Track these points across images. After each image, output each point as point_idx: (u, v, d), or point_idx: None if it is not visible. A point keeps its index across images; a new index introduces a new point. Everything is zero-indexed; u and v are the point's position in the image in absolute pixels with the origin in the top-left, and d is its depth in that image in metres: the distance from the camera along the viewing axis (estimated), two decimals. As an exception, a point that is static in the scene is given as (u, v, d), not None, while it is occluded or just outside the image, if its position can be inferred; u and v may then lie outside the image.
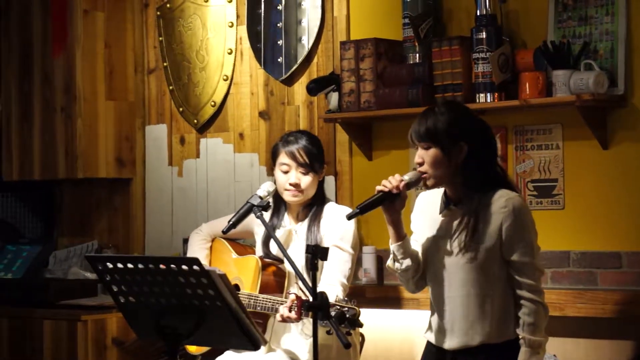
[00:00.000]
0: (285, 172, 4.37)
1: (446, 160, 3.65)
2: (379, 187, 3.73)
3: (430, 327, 3.83)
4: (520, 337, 3.63)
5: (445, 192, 3.76)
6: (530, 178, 4.63)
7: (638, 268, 4.39)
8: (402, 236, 3.77)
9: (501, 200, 3.64)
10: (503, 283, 3.67)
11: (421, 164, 3.69)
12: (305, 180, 4.36)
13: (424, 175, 3.68)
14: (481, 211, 3.65)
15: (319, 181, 4.43)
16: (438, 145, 3.64)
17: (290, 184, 4.35)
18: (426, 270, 3.81)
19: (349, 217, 3.77)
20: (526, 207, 3.69)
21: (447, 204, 3.74)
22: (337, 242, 4.28)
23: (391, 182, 3.70)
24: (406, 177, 3.71)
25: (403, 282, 3.89)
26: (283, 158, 4.39)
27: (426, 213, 3.83)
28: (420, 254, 3.82)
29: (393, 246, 3.78)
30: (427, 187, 3.74)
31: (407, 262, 3.78)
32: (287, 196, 4.37)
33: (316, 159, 4.38)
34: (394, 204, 3.73)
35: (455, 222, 3.70)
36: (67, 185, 6.23)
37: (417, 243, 3.84)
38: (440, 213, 3.76)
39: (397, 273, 3.84)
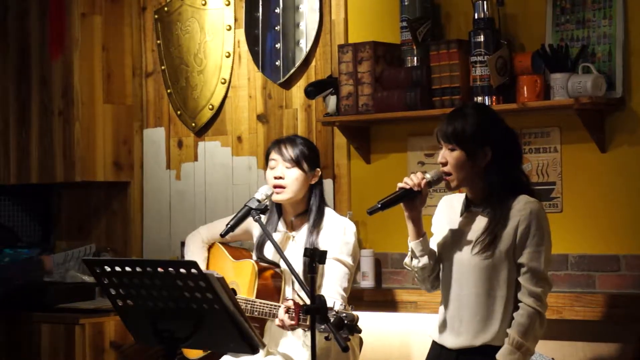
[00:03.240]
0: (273, 168, 4.37)
1: (469, 164, 3.66)
2: (400, 184, 3.75)
3: (436, 327, 3.84)
4: (508, 334, 3.62)
5: (466, 195, 3.77)
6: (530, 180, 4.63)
7: (636, 271, 4.39)
8: (421, 234, 3.79)
9: (520, 204, 3.66)
10: (514, 288, 3.67)
11: (444, 164, 3.70)
12: (290, 175, 4.34)
13: (447, 177, 3.70)
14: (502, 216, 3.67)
15: (312, 186, 4.39)
16: (463, 148, 3.66)
17: (275, 177, 4.34)
18: (440, 268, 3.83)
19: (370, 213, 3.76)
20: (544, 215, 3.69)
21: (468, 207, 3.75)
22: (337, 255, 4.26)
23: (413, 180, 3.73)
24: (428, 176, 3.74)
25: (419, 281, 3.90)
26: (272, 155, 4.39)
27: (447, 215, 3.85)
28: (437, 253, 3.83)
29: (412, 243, 3.80)
30: (450, 189, 3.75)
31: (424, 260, 3.79)
32: (274, 195, 4.34)
33: (305, 158, 4.35)
34: (414, 202, 3.75)
35: (475, 223, 3.72)
36: (64, 188, 6.23)
37: (435, 243, 3.85)
38: (461, 215, 3.77)
39: (414, 271, 3.86)
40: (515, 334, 3.60)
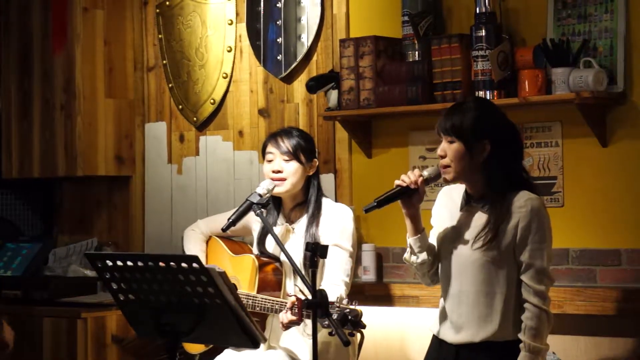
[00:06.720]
0: (270, 162, 4.38)
1: (468, 156, 3.65)
2: (397, 182, 3.75)
3: (437, 321, 3.84)
4: (521, 341, 3.62)
5: (466, 190, 3.77)
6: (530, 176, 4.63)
7: (637, 265, 4.39)
8: (419, 230, 3.78)
9: (521, 200, 3.64)
10: (514, 284, 3.66)
11: (443, 157, 3.69)
12: (288, 168, 4.36)
13: (445, 169, 3.69)
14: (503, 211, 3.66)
15: (309, 177, 4.41)
16: (462, 140, 3.64)
17: (273, 171, 4.35)
18: (440, 263, 3.83)
19: (366, 211, 3.76)
20: (545, 211, 3.67)
21: (468, 201, 3.75)
22: (337, 241, 4.28)
23: (410, 177, 3.72)
24: (425, 173, 3.73)
25: (419, 276, 3.91)
26: (268, 148, 4.41)
27: (447, 207, 3.83)
28: (436, 248, 3.83)
29: (410, 240, 3.79)
30: (447, 182, 3.74)
31: (423, 255, 3.79)
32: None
33: (302, 150, 4.37)
34: (411, 199, 3.74)
35: (475, 219, 3.71)
36: (66, 183, 6.23)
37: (435, 237, 3.85)
38: (460, 210, 3.77)
39: (413, 266, 3.86)
40: (529, 339, 3.59)
